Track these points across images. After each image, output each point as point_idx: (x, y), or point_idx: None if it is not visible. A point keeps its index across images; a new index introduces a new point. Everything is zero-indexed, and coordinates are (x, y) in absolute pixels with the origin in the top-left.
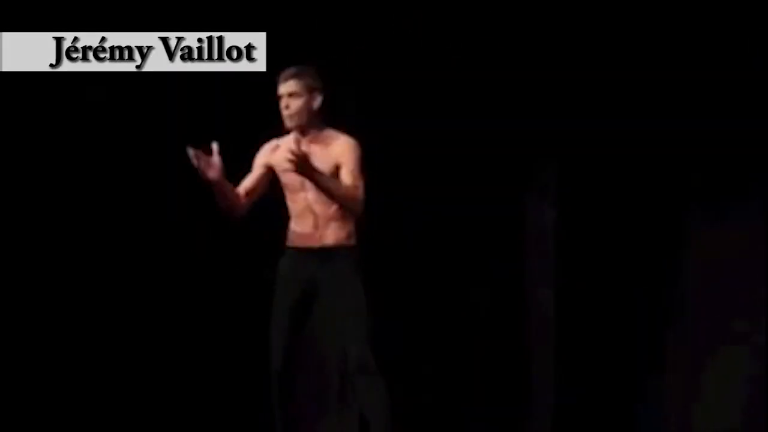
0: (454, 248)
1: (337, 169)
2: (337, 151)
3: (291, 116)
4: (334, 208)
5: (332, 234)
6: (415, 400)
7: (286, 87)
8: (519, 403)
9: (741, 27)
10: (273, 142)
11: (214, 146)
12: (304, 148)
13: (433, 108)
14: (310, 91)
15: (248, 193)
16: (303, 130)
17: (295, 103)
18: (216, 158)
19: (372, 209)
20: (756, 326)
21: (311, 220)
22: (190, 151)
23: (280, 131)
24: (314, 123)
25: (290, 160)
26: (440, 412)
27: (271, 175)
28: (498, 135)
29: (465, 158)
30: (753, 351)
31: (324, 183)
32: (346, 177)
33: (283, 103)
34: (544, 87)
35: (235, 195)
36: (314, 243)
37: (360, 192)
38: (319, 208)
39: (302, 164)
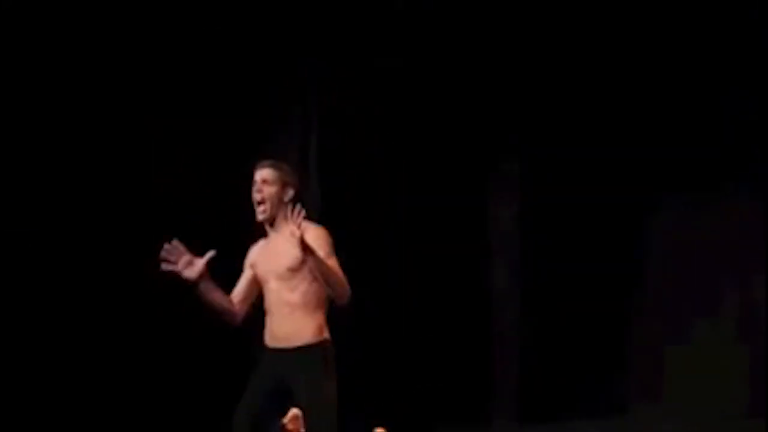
0: (420, 239)
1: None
2: (309, 240)
3: (262, 201)
4: (297, 295)
5: (301, 331)
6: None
7: (260, 174)
8: (484, 392)
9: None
10: (259, 243)
11: (210, 254)
12: (277, 239)
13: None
14: (283, 183)
15: (244, 298)
16: (273, 223)
17: (268, 190)
18: (200, 261)
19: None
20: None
21: (282, 311)
22: (164, 249)
23: None
24: (284, 216)
25: (297, 237)
26: (411, 399)
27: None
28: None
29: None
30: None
31: (319, 262)
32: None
33: (255, 188)
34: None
35: (227, 300)
36: (284, 344)
37: (345, 280)
38: (287, 297)
39: (302, 242)
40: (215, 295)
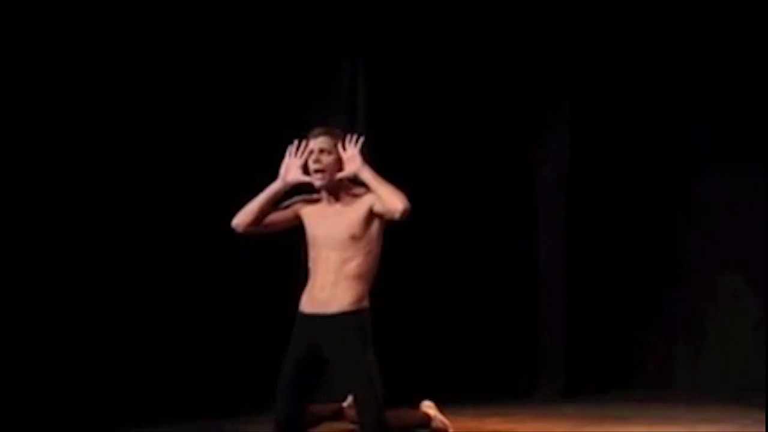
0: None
1: (370, 214)
2: (369, 199)
3: (320, 171)
4: (352, 265)
5: (342, 298)
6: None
7: (317, 143)
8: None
9: None
10: (310, 197)
11: (305, 178)
12: (336, 207)
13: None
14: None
15: (271, 221)
16: (331, 190)
17: (326, 160)
18: (300, 177)
19: None
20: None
21: (329, 277)
22: (295, 145)
23: None
24: (342, 183)
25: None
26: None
27: (295, 222)
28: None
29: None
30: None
31: (374, 172)
32: None
33: (313, 158)
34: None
35: (265, 212)
36: (322, 308)
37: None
38: (339, 266)
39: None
40: (270, 203)
